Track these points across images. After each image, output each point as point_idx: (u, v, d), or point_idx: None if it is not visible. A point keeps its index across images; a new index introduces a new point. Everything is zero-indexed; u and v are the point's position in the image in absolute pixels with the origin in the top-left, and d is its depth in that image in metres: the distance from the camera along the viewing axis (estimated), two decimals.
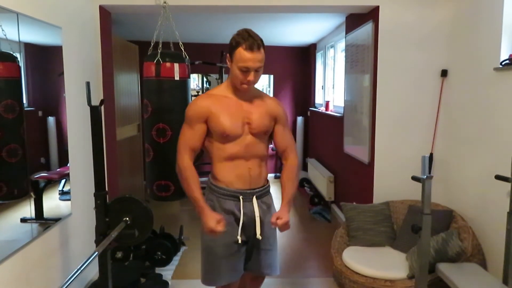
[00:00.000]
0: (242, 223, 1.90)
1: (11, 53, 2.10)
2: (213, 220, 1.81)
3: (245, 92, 1.90)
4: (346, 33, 4.25)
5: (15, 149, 2.12)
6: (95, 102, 2.24)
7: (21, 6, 2.17)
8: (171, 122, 2.58)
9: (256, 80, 1.84)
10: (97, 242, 2.18)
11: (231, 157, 1.88)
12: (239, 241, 1.88)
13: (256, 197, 1.93)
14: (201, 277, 1.99)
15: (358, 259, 2.86)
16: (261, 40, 1.80)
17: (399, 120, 3.37)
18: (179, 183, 2.63)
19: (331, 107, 5.43)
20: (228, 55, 1.85)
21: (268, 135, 2.00)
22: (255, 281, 2.15)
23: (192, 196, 1.86)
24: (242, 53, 1.76)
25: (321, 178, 5.11)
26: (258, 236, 1.89)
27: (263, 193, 1.99)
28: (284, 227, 1.88)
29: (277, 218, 1.87)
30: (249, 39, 1.76)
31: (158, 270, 3.30)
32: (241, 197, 1.90)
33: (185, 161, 1.87)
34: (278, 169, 6.99)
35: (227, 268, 1.92)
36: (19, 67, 2.17)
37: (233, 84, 1.89)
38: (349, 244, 3.15)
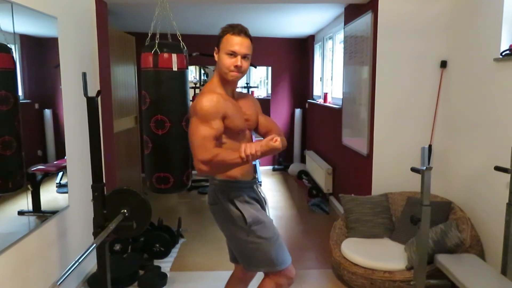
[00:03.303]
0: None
1: (5, 44, 2.07)
2: (272, 139, 1.69)
3: (234, 87, 1.95)
4: (344, 24, 4.22)
5: (9, 141, 2.09)
6: (92, 93, 2.22)
7: None
8: (170, 114, 2.55)
9: (244, 68, 1.85)
10: (95, 234, 2.17)
11: None
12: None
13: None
14: (275, 265, 1.94)
15: (357, 251, 2.86)
16: (248, 31, 1.87)
17: (398, 111, 3.36)
18: (178, 175, 2.63)
19: (329, 99, 5.41)
20: (215, 48, 1.89)
21: None
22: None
23: (237, 160, 1.67)
24: (229, 38, 1.82)
25: (319, 170, 5.11)
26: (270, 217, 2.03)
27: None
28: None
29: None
30: (237, 26, 1.84)
31: (156, 262, 3.30)
32: (254, 186, 2.02)
33: (210, 152, 1.72)
34: (276, 161, 6.99)
35: (284, 246, 2.01)
36: (13, 58, 2.14)
37: (222, 79, 1.88)
38: (348, 236, 3.16)
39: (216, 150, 1.73)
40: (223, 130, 1.82)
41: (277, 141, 1.65)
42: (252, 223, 1.90)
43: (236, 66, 1.82)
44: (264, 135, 2.12)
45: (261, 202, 2.05)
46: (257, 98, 2.26)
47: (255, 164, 5.70)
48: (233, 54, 1.82)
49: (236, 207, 1.92)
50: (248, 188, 1.99)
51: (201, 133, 1.75)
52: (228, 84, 1.90)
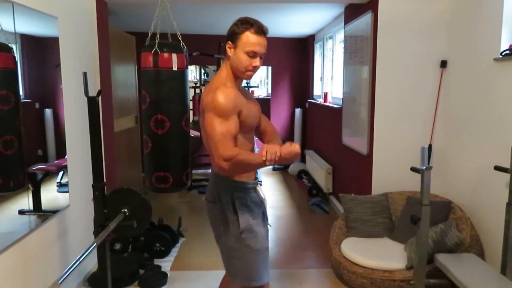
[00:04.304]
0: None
1: (6, 43, 2.07)
2: (291, 144, 1.71)
3: (241, 82, 1.89)
4: (345, 24, 4.22)
5: (11, 140, 2.10)
6: (92, 93, 2.22)
7: None
8: (170, 113, 2.56)
9: (259, 67, 1.80)
10: (96, 233, 2.17)
11: (249, 150, 1.88)
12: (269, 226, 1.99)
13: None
14: (252, 279, 1.88)
15: (357, 250, 2.87)
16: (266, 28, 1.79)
17: (398, 111, 3.36)
18: (178, 175, 2.64)
19: (329, 98, 5.42)
20: (229, 42, 1.77)
21: None
22: None
23: (259, 161, 1.67)
24: (250, 36, 1.72)
25: (319, 169, 5.11)
26: (269, 223, 1.99)
27: None
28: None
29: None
30: (256, 23, 1.74)
31: (157, 261, 3.31)
32: (257, 187, 1.94)
33: (232, 149, 1.68)
34: None
35: (267, 262, 1.92)
36: (15, 58, 2.15)
37: (234, 74, 1.81)
38: (348, 235, 3.16)
39: (237, 149, 1.70)
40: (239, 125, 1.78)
41: (296, 146, 1.66)
42: (244, 230, 1.84)
43: (254, 67, 1.77)
44: (260, 135, 2.08)
45: (262, 204, 1.97)
46: (257, 98, 2.25)
47: None
48: (253, 55, 1.74)
49: (234, 209, 1.86)
50: (252, 189, 1.91)
51: (221, 129, 1.69)
52: (239, 79, 1.84)
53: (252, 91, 6.94)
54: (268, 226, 2.00)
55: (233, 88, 1.80)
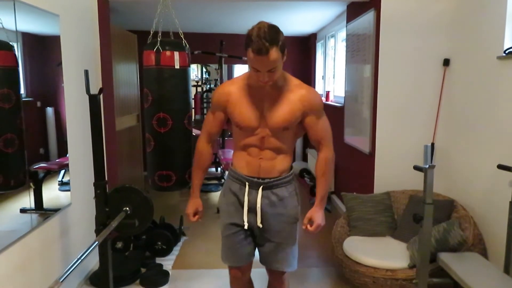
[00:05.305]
0: (248, 209, 1.92)
1: (7, 41, 2.07)
2: (193, 208, 2.05)
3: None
4: (347, 22, 4.21)
5: (11, 139, 2.09)
6: (94, 91, 2.22)
7: None
8: (172, 112, 2.55)
9: (271, 79, 1.73)
10: (97, 232, 2.17)
11: (245, 147, 1.91)
12: (245, 226, 1.92)
13: (264, 187, 1.90)
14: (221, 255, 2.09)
15: (359, 249, 2.86)
16: (275, 39, 1.62)
17: (400, 110, 3.35)
18: (180, 173, 2.63)
19: (331, 97, 5.40)
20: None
21: (293, 129, 1.90)
22: (273, 276, 2.10)
23: (192, 178, 2.07)
24: (251, 55, 1.66)
25: None
26: (259, 224, 1.91)
27: (275, 185, 1.91)
28: (316, 229, 1.93)
29: (309, 221, 1.94)
30: (257, 41, 1.60)
31: (158, 260, 3.31)
32: (247, 183, 1.91)
33: (200, 143, 2.01)
34: None
35: (228, 249, 2.02)
36: (16, 56, 2.14)
37: None
38: (350, 234, 3.15)
39: (202, 149, 2.01)
40: (228, 120, 1.95)
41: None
42: (218, 207, 2.09)
43: (261, 81, 1.73)
44: (316, 144, 1.95)
45: (238, 199, 1.94)
46: None
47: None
48: (257, 71, 1.70)
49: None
50: (235, 179, 1.94)
51: (204, 121, 2.01)
52: None
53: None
54: (246, 224, 1.92)
55: (238, 84, 1.88)
